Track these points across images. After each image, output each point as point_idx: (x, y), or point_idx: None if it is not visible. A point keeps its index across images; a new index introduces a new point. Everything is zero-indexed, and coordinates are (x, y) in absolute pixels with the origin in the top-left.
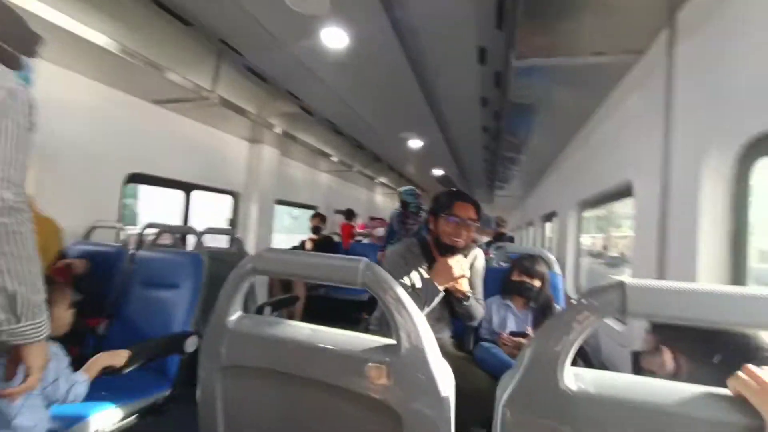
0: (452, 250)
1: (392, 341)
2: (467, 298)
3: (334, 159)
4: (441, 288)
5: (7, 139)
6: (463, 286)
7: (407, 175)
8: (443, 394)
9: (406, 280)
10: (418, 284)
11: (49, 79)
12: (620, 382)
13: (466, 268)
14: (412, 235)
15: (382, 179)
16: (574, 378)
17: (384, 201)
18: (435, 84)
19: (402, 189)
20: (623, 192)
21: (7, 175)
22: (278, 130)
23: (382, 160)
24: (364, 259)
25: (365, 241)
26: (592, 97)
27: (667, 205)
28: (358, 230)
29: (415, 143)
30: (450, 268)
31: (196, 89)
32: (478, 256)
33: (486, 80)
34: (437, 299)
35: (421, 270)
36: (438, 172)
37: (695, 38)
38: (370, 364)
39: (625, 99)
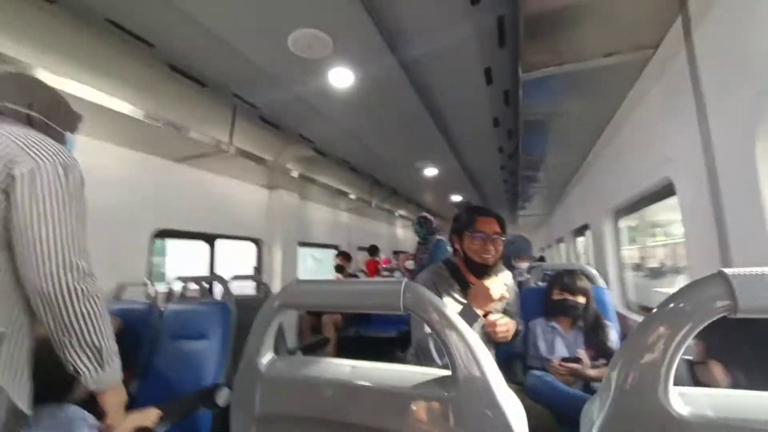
0: (484, 268)
1: (446, 372)
2: (504, 339)
3: (353, 197)
4: (481, 313)
5: (78, 217)
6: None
7: (426, 205)
8: (516, 431)
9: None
10: (450, 301)
11: (78, 149)
12: (741, 401)
13: (504, 290)
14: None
15: (401, 212)
16: (682, 399)
17: (405, 233)
18: (445, 111)
19: (413, 221)
20: (663, 192)
21: (82, 247)
22: (295, 174)
23: (400, 192)
24: (405, 280)
25: (396, 275)
26: (609, 100)
27: (721, 198)
28: (383, 265)
29: (431, 171)
30: (488, 289)
31: (215, 144)
32: (505, 273)
33: (495, 100)
34: (477, 325)
35: (454, 294)
36: (457, 198)
37: (712, 18)
38: (423, 401)
39: (646, 96)
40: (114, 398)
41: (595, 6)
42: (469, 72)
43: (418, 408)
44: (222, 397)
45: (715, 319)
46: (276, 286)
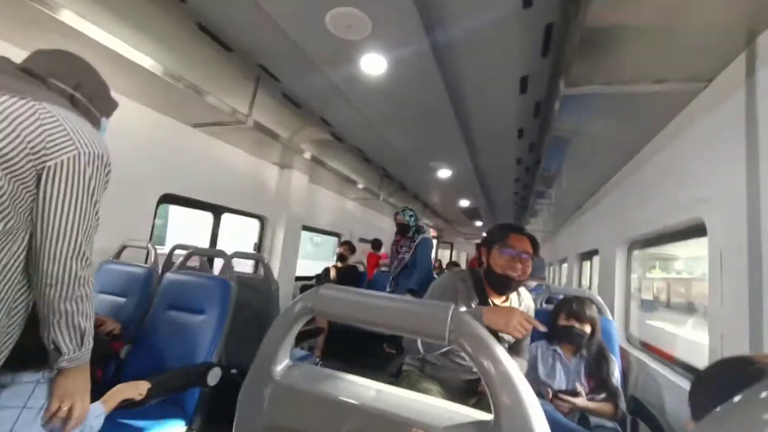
0: (506, 284)
1: (486, 416)
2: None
3: (360, 186)
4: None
5: (94, 208)
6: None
7: (432, 206)
8: None
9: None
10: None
11: None
12: None
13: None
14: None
15: None
16: None
17: None
18: (471, 113)
19: (401, 208)
20: (688, 231)
21: (92, 238)
22: (308, 155)
23: (408, 189)
24: (451, 305)
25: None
26: (646, 128)
27: (759, 252)
28: (383, 260)
29: (444, 173)
30: (510, 312)
31: (233, 113)
32: (525, 296)
33: (525, 110)
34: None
35: (468, 300)
36: (464, 203)
37: None
38: None
39: (688, 129)
40: (80, 377)
41: (655, 29)
42: (505, 77)
43: None
44: (212, 377)
45: None
46: (275, 267)
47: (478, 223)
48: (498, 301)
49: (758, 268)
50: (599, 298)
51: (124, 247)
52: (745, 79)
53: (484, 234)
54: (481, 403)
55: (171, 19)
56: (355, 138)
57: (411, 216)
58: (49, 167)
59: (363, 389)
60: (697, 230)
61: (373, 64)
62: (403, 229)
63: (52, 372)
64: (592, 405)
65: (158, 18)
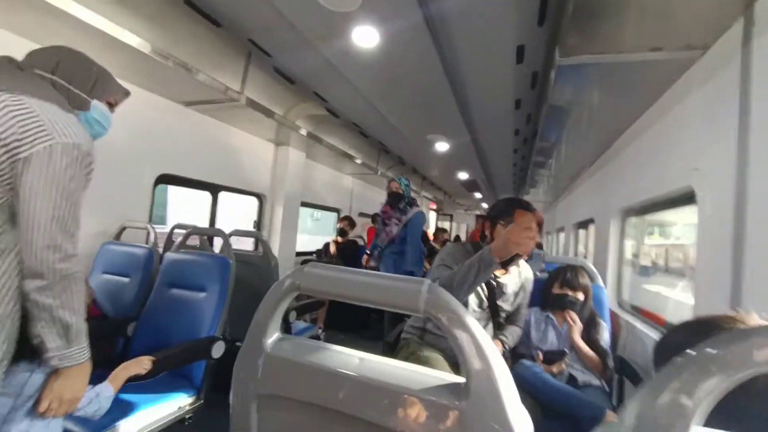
0: (510, 258)
1: (460, 379)
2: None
3: (358, 161)
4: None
5: (70, 200)
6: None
7: (430, 178)
8: None
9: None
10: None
11: None
12: None
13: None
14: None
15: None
16: None
17: None
18: (467, 84)
19: (395, 175)
20: (680, 200)
21: (70, 230)
22: (304, 132)
23: (407, 163)
24: (426, 280)
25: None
26: (642, 97)
27: (744, 218)
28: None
29: (442, 146)
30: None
31: (225, 91)
32: (525, 268)
33: (522, 81)
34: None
35: None
36: (463, 175)
37: None
38: (431, 405)
39: (684, 99)
40: (76, 378)
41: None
42: (501, 47)
43: (425, 412)
44: (217, 350)
45: (757, 374)
46: (275, 243)
47: (478, 195)
48: (498, 273)
49: (741, 237)
50: (591, 266)
51: (123, 228)
52: (741, 47)
53: (488, 207)
54: None
55: None
56: (351, 113)
57: (406, 186)
58: (24, 158)
59: (347, 358)
60: (687, 198)
61: (366, 37)
62: (394, 199)
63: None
64: (583, 346)
65: None
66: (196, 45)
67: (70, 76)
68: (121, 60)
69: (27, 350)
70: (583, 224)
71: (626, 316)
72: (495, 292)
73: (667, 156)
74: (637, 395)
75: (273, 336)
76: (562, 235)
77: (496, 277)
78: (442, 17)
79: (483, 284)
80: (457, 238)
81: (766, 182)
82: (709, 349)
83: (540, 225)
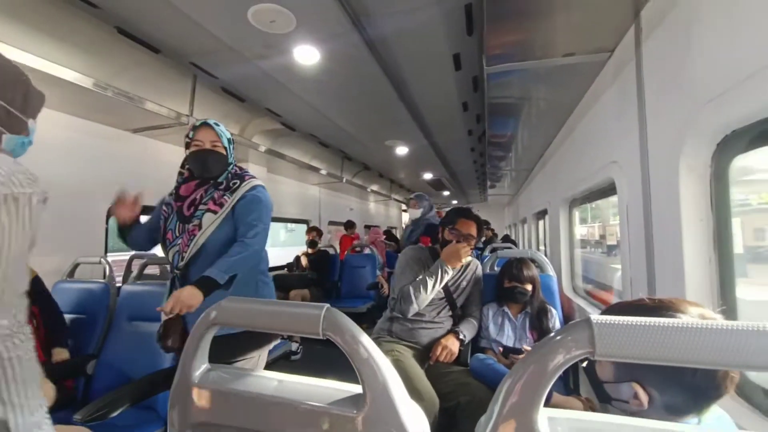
0: None
1: (359, 390)
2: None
3: (323, 172)
4: (450, 269)
5: (14, 260)
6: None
7: (398, 181)
8: None
9: (415, 272)
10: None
11: None
12: (599, 426)
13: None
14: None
15: (374, 187)
16: (549, 423)
17: (377, 208)
18: (414, 92)
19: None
20: (609, 189)
21: (10, 298)
22: (262, 148)
23: (371, 168)
24: (326, 305)
25: (366, 251)
26: (569, 96)
27: (650, 206)
28: (356, 241)
29: (402, 150)
30: (459, 250)
31: (173, 115)
32: (474, 265)
33: (464, 85)
34: (447, 276)
35: (429, 266)
36: (428, 175)
37: (660, 33)
38: (336, 416)
39: (600, 97)
40: None
41: (557, 6)
42: (438, 57)
43: (332, 423)
44: None
45: (579, 358)
46: None
47: (446, 193)
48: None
49: (650, 221)
50: (541, 256)
51: (77, 265)
52: (634, 50)
53: (444, 216)
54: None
55: (88, 26)
56: (306, 125)
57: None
58: None
59: (267, 381)
60: (614, 189)
61: (307, 55)
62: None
63: None
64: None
65: (73, 26)
66: (137, 72)
67: (8, 96)
68: (57, 93)
69: None
70: (541, 214)
71: (579, 301)
72: (450, 288)
73: (593, 150)
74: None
75: (201, 368)
76: (525, 227)
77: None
78: (378, 34)
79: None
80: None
81: (662, 171)
82: (550, 342)
83: (480, 228)
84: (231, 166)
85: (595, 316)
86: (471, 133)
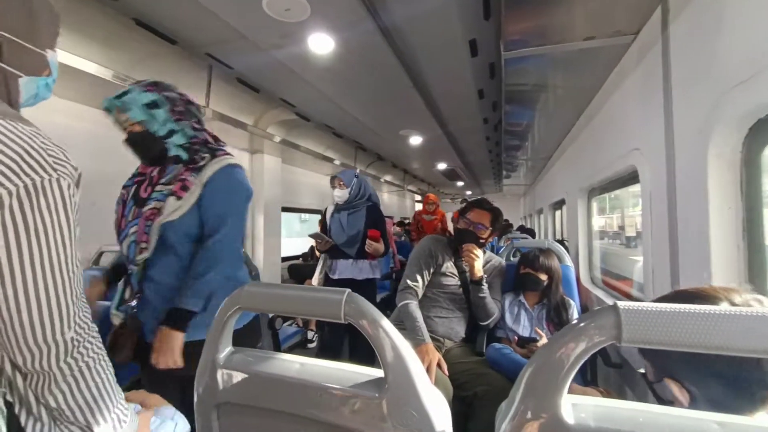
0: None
1: (381, 373)
2: (481, 279)
3: (337, 162)
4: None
5: (71, 258)
6: (477, 266)
7: (412, 172)
8: (438, 429)
9: (427, 264)
10: (445, 264)
11: (50, 110)
12: (622, 412)
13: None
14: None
15: (387, 177)
16: (572, 409)
17: (390, 198)
18: (429, 80)
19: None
20: (631, 178)
21: (72, 310)
22: (277, 138)
23: (385, 158)
24: (347, 290)
25: None
26: (589, 82)
27: (674, 194)
28: None
29: (416, 140)
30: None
31: None
32: (496, 261)
33: (480, 72)
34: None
35: (446, 256)
36: (442, 165)
37: (689, 14)
38: (358, 399)
39: (623, 82)
40: None
41: None
42: (453, 43)
43: (354, 405)
44: None
45: (605, 345)
46: (258, 253)
47: (460, 183)
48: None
49: (674, 210)
50: (557, 246)
51: (101, 253)
52: (661, 32)
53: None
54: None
55: (106, 18)
56: (320, 115)
57: None
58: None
59: (289, 364)
60: (636, 178)
61: (321, 44)
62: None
63: None
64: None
65: (92, 19)
66: (154, 64)
67: (23, 27)
68: (81, 86)
69: None
70: (558, 204)
71: (598, 292)
72: (467, 281)
73: (615, 137)
74: (528, 365)
75: (225, 350)
76: (542, 217)
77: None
78: (392, 21)
79: (457, 273)
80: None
81: (689, 158)
82: (576, 327)
83: (496, 220)
84: (179, 134)
85: (621, 302)
86: (486, 121)
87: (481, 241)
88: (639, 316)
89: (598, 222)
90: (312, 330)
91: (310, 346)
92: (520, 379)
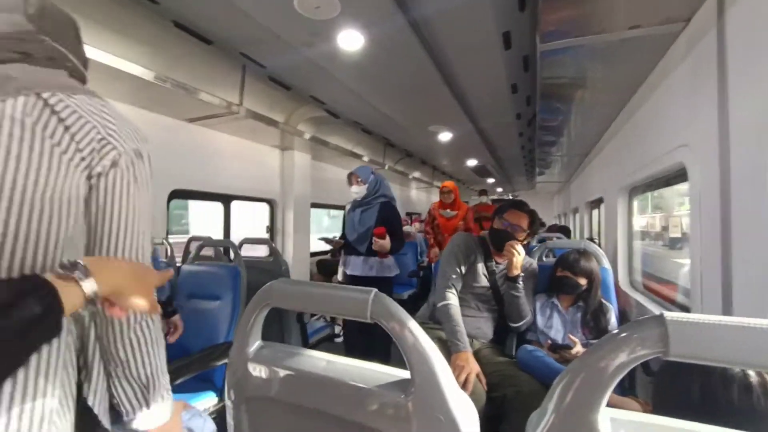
0: (499, 240)
1: (406, 375)
2: (517, 277)
3: (365, 159)
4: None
5: (146, 220)
6: (517, 264)
7: (441, 168)
8: None
9: (462, 261)
10: (477, 264)
11: None
12: (665, 430)
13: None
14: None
15: (416, 174)
16: (611, 424)
17: (418, 195)
18: (459, 75)
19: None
20: (677, 176)
21: (147, 259)
22: (307, 135)
23: (414, 155)
24: (374, 290)
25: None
26: (632, 74)
27: (729, 195)
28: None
29: (445, 136)
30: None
31: (225, 105)
32: (527, 262)
33: (514, 65)
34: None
35: (478, 257)
36: (472, 162)
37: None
38: (384, 399)
39: (670, 73)
40: None
41: None
42: (486, 35)
43: (380, 405)
44: None
45: (649, 358)
46: (288, 247)
47: (490, 180)
48: (497, 257)
49: (727, 212)
50: (594, 247)
51: None
52: (716, 19)
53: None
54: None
55: (148, 21)
56: (350, 112)
57: None
58: (89, 182)
59: (316, 361)
60: (685, 174)
61: (351, 41)
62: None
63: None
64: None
65: (135, 22)
66: (191, 64)
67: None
68: (124, 86)
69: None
70: (595, 203)
71: (637, 296)
72: (497, 281)
73: (660, 132)
74: (564, 374)
75: (254, 345)
76: (577, 216)
77: (497, 263)
78: (423, 15)
79: (487, 274)
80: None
81: (747, 155)
82: (616, 337)
83: (533, 222)
84: None
85: (668, 313)
86: (520, 116)
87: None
88: (689, 328)
89: (639, 222)
90: (339, 325)
91: (337, 340)
92: (553, 389)
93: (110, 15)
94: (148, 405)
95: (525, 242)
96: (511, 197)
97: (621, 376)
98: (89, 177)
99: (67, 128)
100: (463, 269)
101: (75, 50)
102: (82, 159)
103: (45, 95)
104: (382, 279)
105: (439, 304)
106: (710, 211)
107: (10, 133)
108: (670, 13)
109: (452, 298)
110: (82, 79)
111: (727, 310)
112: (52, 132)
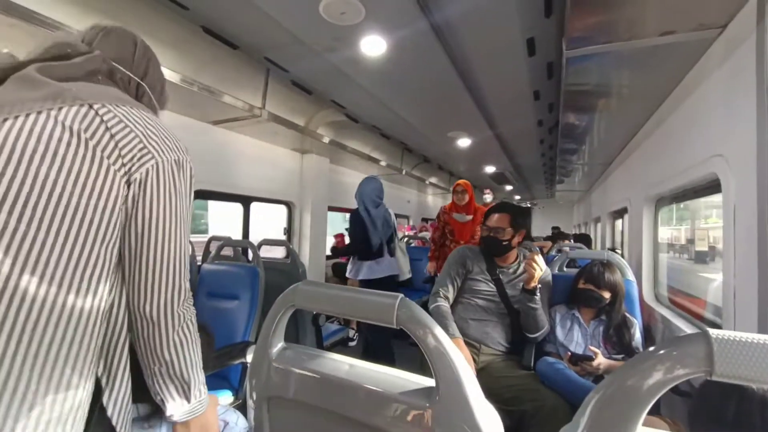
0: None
1: (431, 382)
2: (534, 290)
3: (383, 164)
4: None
5: (188, 226)
6: (535, 277)
7: (458, 174)
8: None
9: (458, 274)
10: (476, 270)
11: None
12: None
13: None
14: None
15: (433, 179)
16: None
17: (435, 201)
18: (481, 81)
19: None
20: (708, 188)
21: (188, 263)
22: (326, 139)
23: (431, 160)
24: (400, 295)
25: (413, 243)
26: (662, 80)
27: (765, 207)
28: (406, 232)
29: (464, 142)
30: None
31: (248, 109)
32: (546, 271)
33: (537, 72)
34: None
35: (481, 266)
36: (490, 169)
37: None
38: (408, 406)
39: (703, 81)
40: (195, 427)
41: None
42: (510, 42)
43: (403, 412)
44: (251, 353)
45: (690, 377)
46: (305, 249)
47: (508, 187)
48: (500, 262)
49: (764, 225)
50: (617, 258)
51: None
52: (756, 25)
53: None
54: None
55: (178, 26)
56: (369, 117)
57: None
58: (130, 188)
59: (338, 365)
60: (717, 186)
61: (373, 46)
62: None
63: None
64: (611, 362)
65: (165, 26)
66: (217, 68)
67: (155, 86)
68: None
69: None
70: (618, 213)
71: (663, 311)
72: (506, 290)
73: (691, 142)
74: (596, 390)
75: (277, 346)
76: (599, 226)
77: (500, 267)
78: (446, 20)
79: (490, 279)
80: None
81: None
82: (656, 354)
83: (515, 217)
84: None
85: (713, 330)
86: (541, 123)
87: (504, 243)
88: (736, 347)
89: (663, 234)
90: (353, 329)
91: (351, 344)
92: (586, 403)
93: (142, 19)
94: (188, 400)
95: (515, 239)
96: (528, 205)
97: (660, 395)
98: (128, 182)
99: (112, 135)
100: (459, 281)
101: (130, 65)
102: (123, 164)
103: (96, 106)
104: (378, 281)
105: (431, 307)
106: (746, 224)
107: (59, 137)
108: (704, 20)
109: (441, 301)
110: (135, 92)
111: (763, 329)
112: (99, 138)
